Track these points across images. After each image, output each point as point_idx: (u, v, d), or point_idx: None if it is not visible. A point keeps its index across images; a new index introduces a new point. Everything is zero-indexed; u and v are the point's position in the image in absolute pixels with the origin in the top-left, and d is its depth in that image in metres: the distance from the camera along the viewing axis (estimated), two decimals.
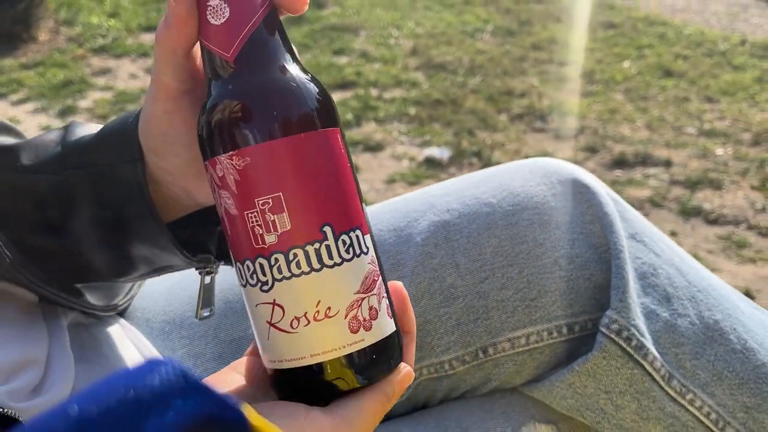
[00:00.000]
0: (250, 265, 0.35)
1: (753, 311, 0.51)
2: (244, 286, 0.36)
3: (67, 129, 0.45)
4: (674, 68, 3.08)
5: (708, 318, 0.48)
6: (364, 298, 0.35)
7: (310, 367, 0.35)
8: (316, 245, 0.34)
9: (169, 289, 0.57)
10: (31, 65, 3.37)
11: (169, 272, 0.47)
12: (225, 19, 0.35)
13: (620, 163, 2.23)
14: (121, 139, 0.42)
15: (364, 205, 0.38)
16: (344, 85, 2.96)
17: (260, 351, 0.37)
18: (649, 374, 0.46)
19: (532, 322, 0.48)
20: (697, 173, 2.13)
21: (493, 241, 0.48)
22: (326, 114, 0.36)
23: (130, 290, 0.53)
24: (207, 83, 0.37)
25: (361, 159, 2.30)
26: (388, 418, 0.51)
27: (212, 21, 0.36)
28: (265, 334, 0.36)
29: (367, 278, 0.36)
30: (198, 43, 0.37)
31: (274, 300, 0.35)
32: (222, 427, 0.14)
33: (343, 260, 0.35)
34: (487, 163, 2.21)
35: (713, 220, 1.89)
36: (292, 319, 0.35)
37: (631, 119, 2.57)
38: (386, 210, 0.54)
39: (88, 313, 0.50)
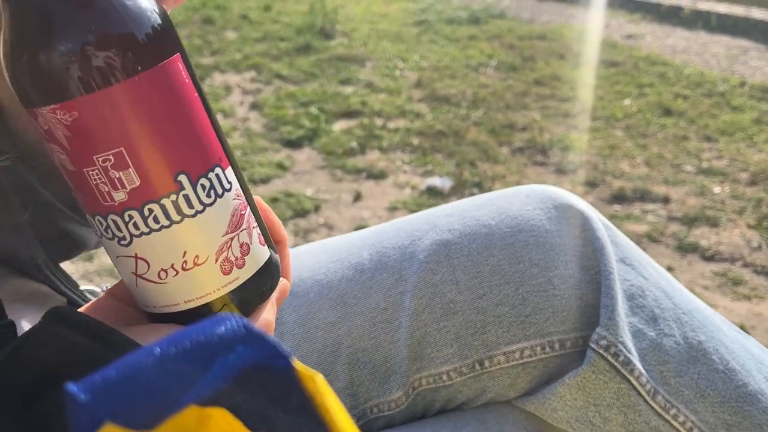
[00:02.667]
0: (102, 221, 0.32)
1: (735, 335, 0.54)
2: (100, 236, 0.33)
3: None
4: (674, 107, 3.13)
5: (692, 339, 0.51)
6: (234, 236, 0.33)
7: (185, 311, 0.33)
8: (173, 197, 0.31)
9: None
10: None
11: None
12: None
13: (619, 198, 2.27)
14: None
15: (221, 134, 0.33)
16: (349, 114, 3.02)
17: (132, 294, 0.34)
18: (635, 389, 0.49)
19: (527, 338, 0.50)
20: (695, 210, 2.17)
21: (491, 260, 0.51)
22: (164, 41, 0.30)
23: None
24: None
25: (364, 186, 2.34)
26: (387, 426, 0.54)
27: None
28: (133, 283, 0.33)
29: (234, 216, 0.33)
30: None
31: (136, 254, 0.32)
32: (273, 369, 0.17)
33: (205, 206, 0.32)
34: None
35: (710, 257, 1.92)
36: (159, 271, 0.32)
37: (630, 155, 2.62)
38: (392, 229, 0.57)
39: None
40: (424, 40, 4.53)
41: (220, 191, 0.32)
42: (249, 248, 0.34)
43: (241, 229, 0.33)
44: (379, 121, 2.95)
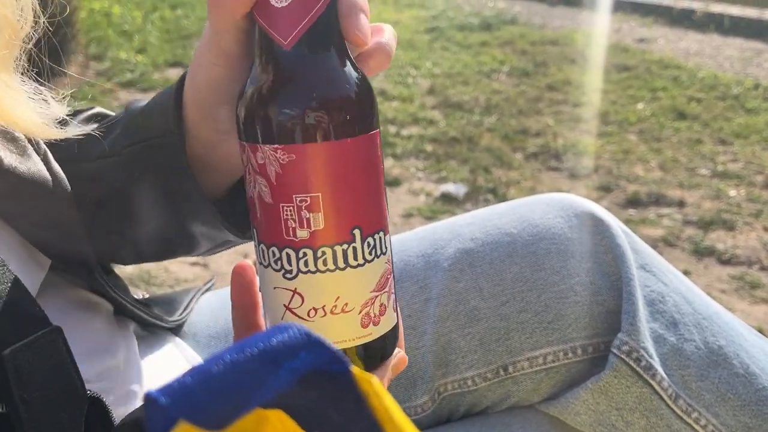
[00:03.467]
0: (276, 252, 0.36)
1: (756, 339, 0.55)
2: (265, 266, 0.37)
3: (127, 109, 0.48)
4: (688, 111, 3.13)
5: (713, 343, 0.52)
6: (377, 296, 0.37)
7: None
8: (344, 246, 0.35)
9: (212, 305, 0.62)
10: (61, 98, 3.49)
11: (231, 247, 0.50)
12: (287, 3, 0.33)
13: (634, 202, 2.27)
14: (162, 106, 0.43)
15: (387, 206, 0.38)
16: None
17: (269, 325, 0.38)
18: (657, 393, 0.50)
19: (550, 343, 0.52)
20: (711, 214, 2.16)
21: (514, 268, 0.53)
22: (372, 117, 0.36)
23: (187, 306, 0.58)
24: (254, 61, 0.36)
25: None
26: None
27: (272, 1, 0.34)
28: (280, 315, 0.37)
29: (382, 277, 0.37)
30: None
31: (295, 288, 0.36)
32: (332, 373, 0.18)
33: (366, 261, 0.36)
34: (502, 200, 2.26)
35: (726, 261, 1.92)
36: (310, 309, 0.36)
37: (644, 160, 2.62)
38: (415, 238, 0.59)
39: (146, 325, 0.55)
40: (436, 47, 4.55)
41: (379, 252, 0.37)
42: (385, 310, 0.38)
43: (384, 290, 0.37)
44: (392, 129, 2.97)
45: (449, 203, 2.27)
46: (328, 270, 0.35)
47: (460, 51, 4.41)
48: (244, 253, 1.97)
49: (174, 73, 3.88)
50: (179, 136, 0.42)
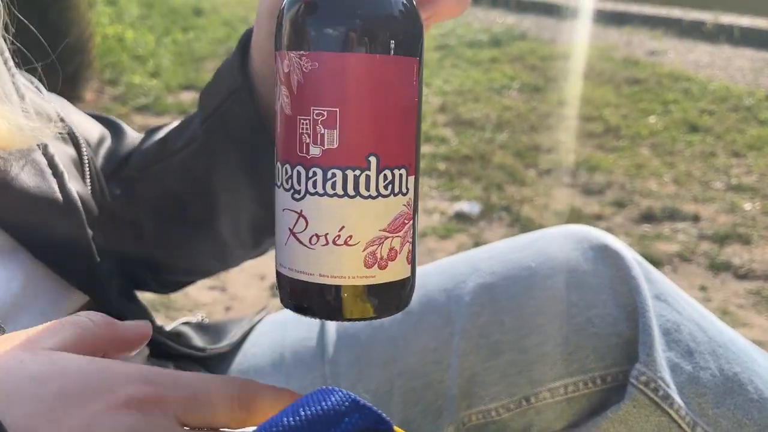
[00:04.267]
0: (289, 170, 0.34)
1: None
2: (278, 186, 0.36)
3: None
4: (700, 123, 3.13)
5: (728, 370, 0.53)
6: (388, 238, 0.34)
7: (314, 284, 0.34)
8: (357, 172, 0.33)
9: (243, 344, 0.64)
10: None
11: None
12: None
13: (648, 217, 2.27)
14: (228, 68, 0.48)
15: (419, 146, 0.36)
16: None
17: (275, 250, 0.37)
18: (675, 421, 0.51)
19: (570, 374, 0.54)
20: (726, 228, 2.16)
21: (533, 302, 0.55)
22: (411, 41, 0.34)
23: (232, 335, 0.61)
24: None
25: None
26: None
27: None
28: (284, 239, 0.35)
29: (397, 219, 0.35)
30: None
31: (301, 210, 0.34)
32: None
33: (379, 194, 0.34)
34: (516, 218, 2.27)
35: (743, 275, 1.92)
36: (312, 235, 0.34)
37: (658, 174, 2.62)
38: (435, 272, 0.61)
39: (178, 361, 0.57)
40: (446, 64, 4.59)
41: (396, 189, 0.34)
42: (396, 256, 0.35)
43: (397, 235, 0.35)
44: None
45: (463, 222, 2.29)
46: (336, 195, 0.33)
47: (471, 68, 4.45)
48: (261, 276, 2.00)
49: (187, 97, 3.95)
50: (246, 88, 0.45)
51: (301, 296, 0.36)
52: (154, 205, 0.56)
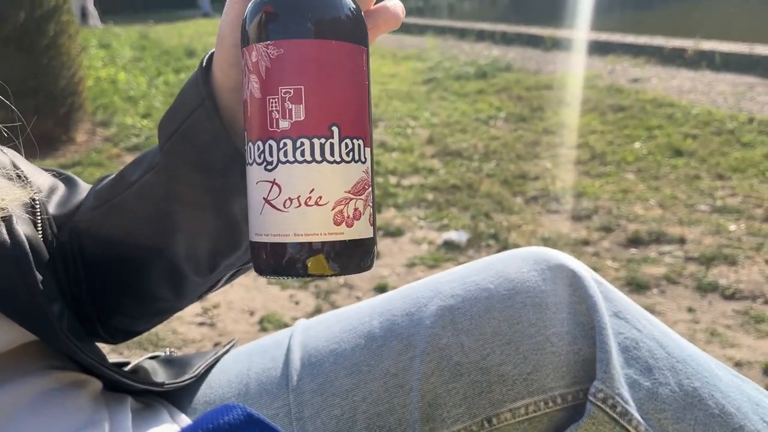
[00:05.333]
0: (261, 145, 0.39)
1: (732, 378, 0.57)
2: (250, 164, 0.40)
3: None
4: (684, 147, 3.17)
5: (687, 386, 0.53)
6: (352, 199, 0.39)
7: (291, 244, 0.39)
8: (322, 140, 0.38)
9: (208, 375, 0.64)
10: (70, 165, 3.57)
11: None
12: None
13: (635, 241, 2.28)
14: (190, 87, 0.50)
15: (371, 125, 0.42)
16: None
17: (249, 223, 0.41)
18: None
19: (530, 394, 0.54)
20: (712, 249, 2.17)
21: (492, 323, 0.55)
22: (358, 32, 0.41)
23: (197, 368, 0.61)
24: None
25: (382, 244, 2.38)
26: None
27: None
28: (259, 209, 0.40)
29: (358, 183, 0.40)
30: None
31: (274, 179, 0.39)
32: None
33: (342, 160, 0.39)
34: (504, 245, 2.28)
35: (730, 296, 1.92)
36: (286, 199, 0.38)
37: (643, 198, 2.64)
38: (398, 296, 0.62)
39: (139, 394, 0.57)
40: (433, 97, 4.65)
41: (356, 157, 0.40)
42: (360, 216, 0.40)
43: (359, 197, 0.40)
44: (393, 179, 3.02)
45: (452, 251, 2.29)
46: (305, 161, 0.38)
47: (457, 100, 4.50)
48: (251, 311, 1.99)
49: None
50: (211, 99, 0.47)
51: (278, 258, 0.39)
52: (105, 247, 0.56)
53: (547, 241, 2.31)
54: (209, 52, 0.50)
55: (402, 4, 0.47)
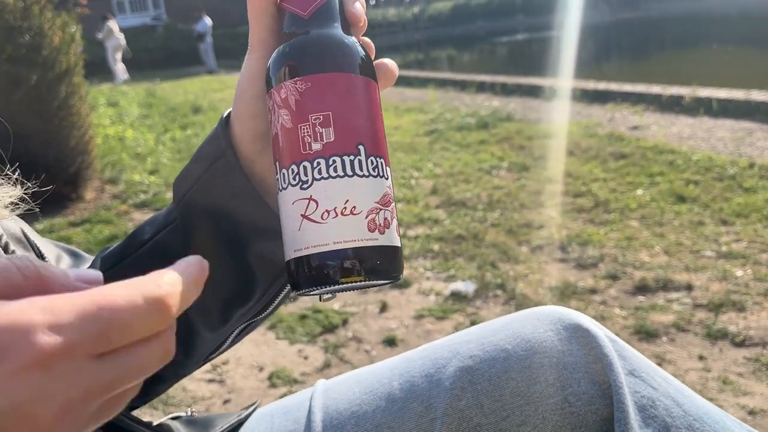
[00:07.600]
0: (295, 168, 0.44)
1: None
2: (284, 188, 0.44)
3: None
4: (686, 193, 3.19)
5: None
6: (381, 209, 0.44)
7: (332, 252, 0.42)
8: (351, 157, 0.43)
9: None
10: (79, 222, 3.61)
11: (283, 293, 0.56)
12: None
13: (642, 288, 2.29)
14: (210, 142, 0.52)
15: (387, 150, 0.47)
16: None
17: (286, 245, 0.45)
18: None
19: None
20: (720, 296, 2.17)
21: (511, 384, 0.57)
22: (370, 69, 0.47)
23: (220, 430, 0.62)
24: (280, 37, 0.48)
25: (389, 296, 2.39)
26: None
27: None
28: (297, 226, 0.43)
29: (384, 196, 0.44)
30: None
31: (311, 196, 0.43)
32: None
33: (370, 174, 0.44)
34: (512, 295, 2.29)
35: (740, 343, 1.91)
36: (324, 212, 0.43)
37: (649, 245, 2.65)
38: (417, 357, 0.63)
39: None
40: (436, 148, 4.71)
41: (381, 173, 0.45)
42: (389, 225, 0.44)
43: (387, 208, 0.44)
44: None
45: (459, 301, 2.30)
46: (338, 176, 0.43)
47: (460, 150, 4.57)
48: (260, 367, 1.99)
49: None
50: (232, 151, 0.51)
51: (319, 267, 0.43)
52: None
53: (554, 291, 2.32)
54: (227, 111, 0.53)
55: (395, 64, 0.52)
